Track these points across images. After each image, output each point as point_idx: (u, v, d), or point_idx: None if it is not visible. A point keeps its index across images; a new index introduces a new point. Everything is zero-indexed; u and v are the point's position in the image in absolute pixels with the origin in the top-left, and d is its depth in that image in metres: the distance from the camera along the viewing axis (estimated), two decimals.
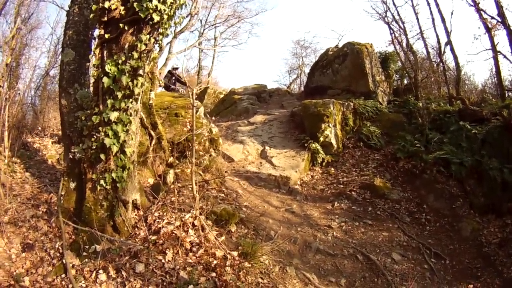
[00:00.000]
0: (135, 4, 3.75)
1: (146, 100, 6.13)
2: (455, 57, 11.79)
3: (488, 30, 10.23)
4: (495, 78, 11.50)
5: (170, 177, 5.96)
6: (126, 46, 3.96)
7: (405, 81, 14.91)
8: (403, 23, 13.79)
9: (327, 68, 13.09)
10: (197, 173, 6.43)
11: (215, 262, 3.90)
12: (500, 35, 20.47)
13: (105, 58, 4.01)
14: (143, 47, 3.93)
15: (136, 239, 4.18)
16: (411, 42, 13.64)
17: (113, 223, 4.16)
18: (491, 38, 10.28)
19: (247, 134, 10.19)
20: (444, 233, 6.43)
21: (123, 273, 3.58)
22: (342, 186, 7.83)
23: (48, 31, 31.96)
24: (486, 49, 10.63)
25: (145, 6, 3.75)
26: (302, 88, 17.45)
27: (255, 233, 5.22)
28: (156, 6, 3.80)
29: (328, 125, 9.27)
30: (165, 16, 3.98)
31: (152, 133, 6.18)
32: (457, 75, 11.85)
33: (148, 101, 6.28)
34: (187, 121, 6.41)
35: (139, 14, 3.77)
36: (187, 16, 14.45)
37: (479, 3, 10.31)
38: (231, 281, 3.66)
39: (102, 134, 3.94)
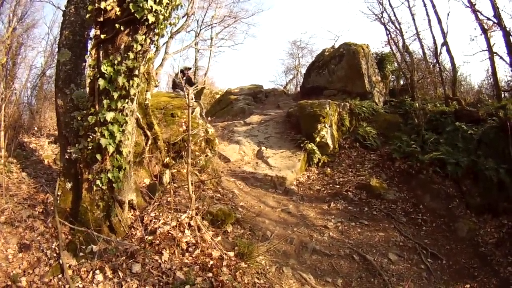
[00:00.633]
0: (130, 5, 3.76)
1: (142, 100, 6.12)
2: (451, 58, 11.91)
3: (484, 31, 10.33)
4: (491, 79, 11.62)
5: (166, 178, 5.97)
6: (122, 46, 3.96)
7: (401, 82, 14.99)
8: (399, 24, 13.93)
9: (323, 69, 13.13)
10: (193, 173, 6.45)
11: (211, 262, 3.91)
12: (496, 36, 20.67)
13: (101, 58, 4.00)
14: (139, 48, 3.94)
15: (133, 240, 4.17)
16: (407, 43, 13.76)
17: (110, 224, 4.16)
18: (487, 39, 10.38)
19: (243, 134, 10.19)
20: (441, 233, 6.45)
21: (120, 273, 3.58)
22: (338, 186, 7.84)
23: (45, 31, 31.79)
24: (482, 50, 10.77)
25: (140, 6, 3.75)
26: (298, 89, 17.52)
27: (251, 234, 5.23)
28: (152, 7, 3.81)
29: (324, 126, 9.30)
30: (161, 17, 3.98)
31: (148, 133, 6.18)
32: (453, 76, 11.95)
33: (144, 101, 6.27)
34: (183, 121, 6.41)
35: (135, 14, 3.78)
36: (183, 17, 14.44)
37: (475, 4, 10.42)
38: (227, 281, 3.67)
39: (98, 134, 3.93)
